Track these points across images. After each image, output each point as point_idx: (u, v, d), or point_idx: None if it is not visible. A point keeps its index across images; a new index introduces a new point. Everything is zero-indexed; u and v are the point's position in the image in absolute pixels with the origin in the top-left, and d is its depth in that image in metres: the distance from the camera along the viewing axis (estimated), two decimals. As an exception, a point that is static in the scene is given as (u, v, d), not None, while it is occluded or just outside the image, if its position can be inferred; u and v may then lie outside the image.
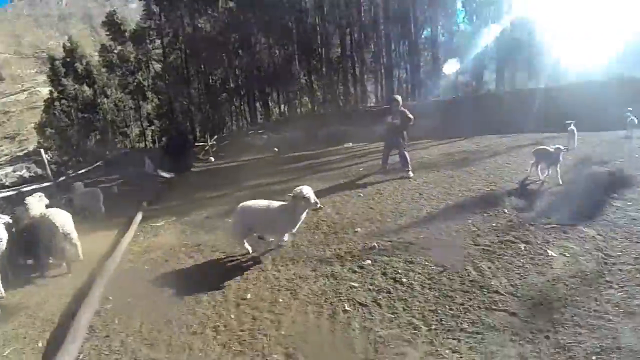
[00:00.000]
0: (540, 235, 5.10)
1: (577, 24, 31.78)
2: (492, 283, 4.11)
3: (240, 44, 34.89)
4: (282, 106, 38.52)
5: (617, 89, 17.32)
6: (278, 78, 34.36)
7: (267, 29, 33.45)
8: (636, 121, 11.38)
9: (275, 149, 18.10)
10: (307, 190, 4.53)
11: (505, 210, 6.05)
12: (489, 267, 4.41)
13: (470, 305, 3.79)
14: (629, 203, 5.78)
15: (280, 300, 4.17)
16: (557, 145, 6.92)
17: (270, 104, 38.47)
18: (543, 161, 6.94)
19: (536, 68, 30.57)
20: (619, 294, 3.76)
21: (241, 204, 5.13)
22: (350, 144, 16.13)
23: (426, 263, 4.60)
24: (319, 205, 4.68)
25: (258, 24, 33.24)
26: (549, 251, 4.67)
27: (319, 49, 34.03)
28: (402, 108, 8.59)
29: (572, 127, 10.00)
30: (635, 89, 16.94)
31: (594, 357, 3.05)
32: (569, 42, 30.07)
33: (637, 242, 4.64)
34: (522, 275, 4.23)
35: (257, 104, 38.04)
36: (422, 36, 36.62)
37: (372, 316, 3.75)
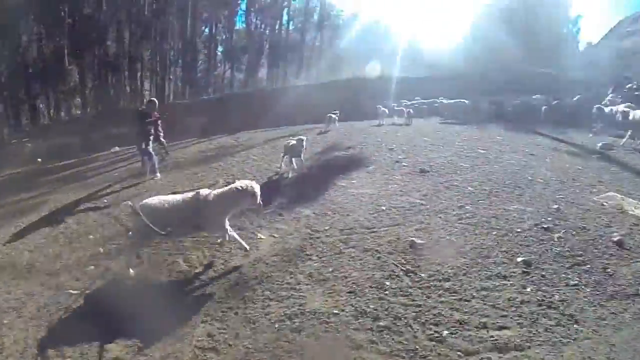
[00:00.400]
0: (256, 220, 6.10)
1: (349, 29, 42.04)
2: (197, 271, 4.94)
3: (2, 33, 31.48)
4: (52, 109, 36.89)
5: (382, 86, 23.75)
6: (47, 76, 33.55)
7: (36, 16, 32.08)
8: (387, 112, 15.94)
9: (39, 160, 18.41)
10: (257, 188, 4.79)
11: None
12: (198, 257, 5.25)
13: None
14: (353, 181, 7.52)
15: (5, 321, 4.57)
16: (299, 137, 8.49)
17: (40, 107, 36.34)
18: (290, 153, 8.37)
19: (306, 67, 38.88)
20: (316, 264, 4.71)
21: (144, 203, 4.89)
22: (117, 147, 17.05)
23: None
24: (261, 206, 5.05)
25: (25, 10, 31.34)
26: (259, 234, 5.65)
27: (95, 44, 34.63)
28: (156, 113, 9.87)
29: (332, 115, 13.71)
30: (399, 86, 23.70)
31: (276, 325, 3.82)
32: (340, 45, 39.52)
33: (347, 215, 6.00)
34: (226, 260, 5.07)
35: (26, 106, 35.33)
36: (203, 34, 40.49)
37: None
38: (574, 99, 17.96)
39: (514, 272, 4.41)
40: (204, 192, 4.79)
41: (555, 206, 6.19)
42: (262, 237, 5.58)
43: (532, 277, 4.34)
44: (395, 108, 16.40)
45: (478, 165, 8.41)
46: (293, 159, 8.43)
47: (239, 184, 4.78)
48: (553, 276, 4.37)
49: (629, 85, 21.28)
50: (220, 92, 36.69)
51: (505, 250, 4.87)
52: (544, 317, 3.71)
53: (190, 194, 4.79)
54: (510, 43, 30.33)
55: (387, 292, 4.08)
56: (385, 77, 27.27)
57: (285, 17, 40.63)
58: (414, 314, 3.73)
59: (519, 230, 5.36)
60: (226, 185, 5.05)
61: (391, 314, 3.74)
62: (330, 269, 4.60)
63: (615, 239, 5.15)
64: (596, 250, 4.94)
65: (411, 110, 15.83)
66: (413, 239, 5.11)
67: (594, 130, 12.80)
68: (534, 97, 18.46)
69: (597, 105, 13.59)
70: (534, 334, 3.50)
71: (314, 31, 41.66)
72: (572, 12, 42.06)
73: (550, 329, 3.56)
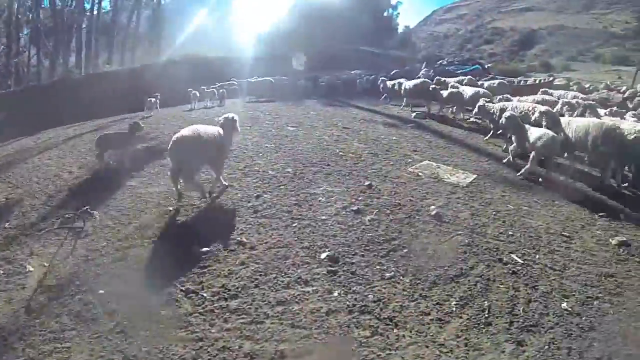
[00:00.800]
0: (29, 246, 5.01)
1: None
2: None
3: None
4: None
5: (201, 68, 23.26)
6: None
7: None
8: (198, 95, 15.09)
9: None
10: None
11: (7, 225, 5.77)
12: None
13: None
14: (144, 179, 6.66)
15: None
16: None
17: None
18: (111, 147, 7.58)
19: (121, 50, 36.29)
20: (85, 297, 3.84)
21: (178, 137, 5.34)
22: None
23: None
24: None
25: None
26: (28, 266, 4.61)
27: None
28: None
29: (152, 98, 13.73)
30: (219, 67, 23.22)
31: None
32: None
33: (130, 223, 5.12)
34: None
35: None
36: (3, 14, 33.28)
37: None
38: (391, 73, 19.42)
39: (317, 274, 3.81)
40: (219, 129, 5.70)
41: (367, 183, 5.85)
42: (32, 267, 4.60)
43: (340, 276, 3.79)
44: (206, 90, 16.04)
45: (284, 144, 7.96)
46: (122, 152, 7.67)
47: (228, 115, 5.93)
48: (365, 271, 3.88)
49: (440, 61, 24.15)
50: (24, 83, 32.19)
51: (308, 245, 4.26)
52: (357, 328, 3.24)
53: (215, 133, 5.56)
54: (334, 24, 32.34)
55: (162, 325, 3.42)
56: (205, 58, 27.23)
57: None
58: (193, 352, 3.10)
59: (324, 217, 4.82)
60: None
61: (166, 357, 3.11)
62: (100, 302, 3.81)
63: (432, 213, 4.95)
64: (413, 230, 4.63)
65: (224, 92, 15.77)
66: (196, 246, 4.29)
67: (382, 99, 15.14)
68: (352, 72, 19.51)
69: (382, 78, 16.08)
70: (345, 353, 3.03)
71: (130, 11, 38.45)
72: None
73: (365, 342, 3.12)
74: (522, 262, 4.15)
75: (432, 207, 5.06)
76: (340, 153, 7.29)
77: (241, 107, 14.15)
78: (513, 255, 4.25)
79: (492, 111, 8.56)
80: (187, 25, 39.84)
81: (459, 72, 20.27)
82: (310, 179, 6.00)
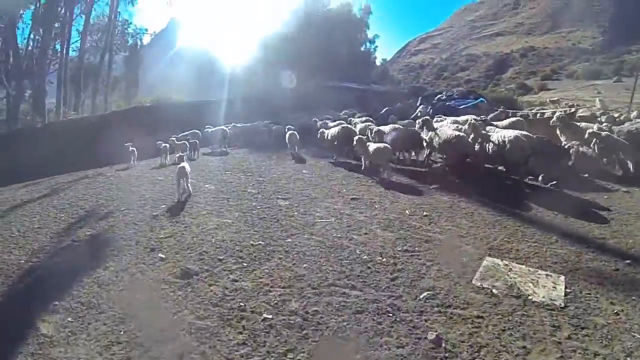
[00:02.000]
0: None
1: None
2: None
3: None
4: None
5: (167, 113, 21.85)
6: None
7: None
8: (168, 147, 12.55)
9: None
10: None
11: None
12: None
13: None
14: (68, 318, 4.21)
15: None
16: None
17: None
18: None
19: (92, 95, 34.58)
20: None
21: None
22: None
23: None
24: None
25: None
26: None
27: None
28: None
29: (132, 148, 12.91)
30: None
31: None
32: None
33: None
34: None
35: None
36: None
37: None
38: (382, 112, 17.96)
39: None
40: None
41: (433, 335, 3.42)
42: None
43: None
44: (177, 142, 13.39)
45: (276, 237, 5.61)
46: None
47: (291, 126, 13.77)
48: None
49: (438, 96, 21.87)
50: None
51: None
52: None
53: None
54: (310, 61, 31.05)
55: None
56: (179, 103, 27.01)
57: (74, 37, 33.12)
58: None
59: None
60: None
61: None
62: None
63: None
64: None
65: (196, 142, 13.67)
66: None
67: None
68: (341, 113, 18.52)
69: (314, 120, 15.47)
70: None
71: (102, 53, 35.32)
72: (369, 33, 46.08)
73: None
74: None
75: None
76: (364, 256, 4.87)
77: (214, 164, 11.90)
78: None
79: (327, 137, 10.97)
80: (166, 67, 38.54)
81: (461, 107, 17.95)
82: (334, 329, 3.55)
